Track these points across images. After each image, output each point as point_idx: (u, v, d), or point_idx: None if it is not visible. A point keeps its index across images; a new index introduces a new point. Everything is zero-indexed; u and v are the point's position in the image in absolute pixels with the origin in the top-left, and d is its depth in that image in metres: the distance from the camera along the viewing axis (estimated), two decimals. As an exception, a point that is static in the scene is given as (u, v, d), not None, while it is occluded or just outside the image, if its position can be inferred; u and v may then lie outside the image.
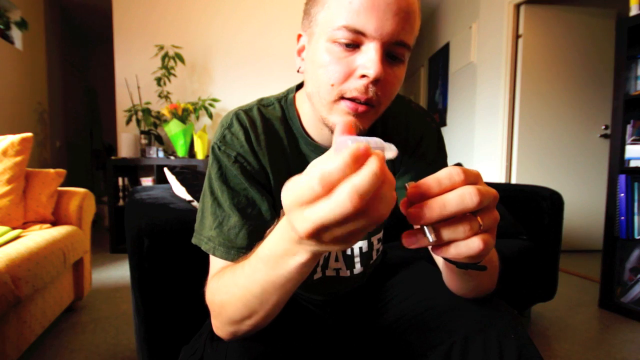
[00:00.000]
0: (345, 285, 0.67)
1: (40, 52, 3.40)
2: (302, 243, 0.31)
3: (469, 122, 3.38)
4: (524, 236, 1.50)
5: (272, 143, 0.57)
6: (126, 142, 2.91)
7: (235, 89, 3.27)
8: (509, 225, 1.48)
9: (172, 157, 2.94)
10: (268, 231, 0.39)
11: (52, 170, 1.61)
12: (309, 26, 0.51)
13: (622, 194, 1.72)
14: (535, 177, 2.84)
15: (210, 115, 3.03)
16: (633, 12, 1.71)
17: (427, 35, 4.44)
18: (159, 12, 3.15)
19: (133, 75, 3.06)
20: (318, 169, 0.26)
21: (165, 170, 1.22)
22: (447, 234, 0.32)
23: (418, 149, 0.62)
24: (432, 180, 0.32)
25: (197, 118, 3.10)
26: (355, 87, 0.46)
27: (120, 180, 2.94)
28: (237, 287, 0.42)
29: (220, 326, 0.48)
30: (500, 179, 2.95)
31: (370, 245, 0.67)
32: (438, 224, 0.32)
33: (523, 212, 1.54)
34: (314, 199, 0.26)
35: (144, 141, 2.99)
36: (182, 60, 2.94)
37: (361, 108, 0.47)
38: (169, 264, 0.84)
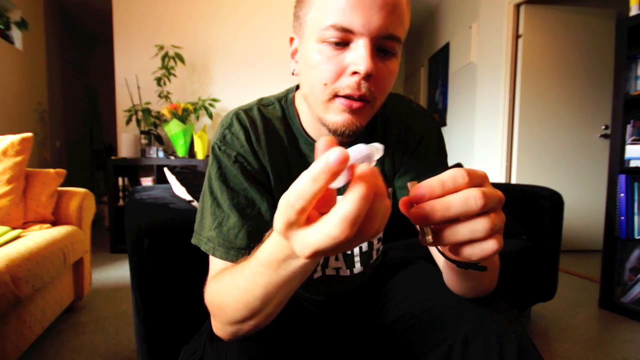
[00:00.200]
0: (345, 285, 0.67)
1: (40, 52, 3.40)
2: None
3: (469, 122, 3.38)
4: (524, 236, 1.50)
5: (273, 143, 0.57)
6: (126, 142, 2.91)
7: (235, 89, 3.27)
8: (509, 225, 1.48)
9: (172, 157, 2.94)
10: (267, 234, 0.39)
11: (52, 170, 1.61)
12: (299, 28, 0.51)
13: (622, 194, 1.72)
14: (535, 177, 2.84)
15: (210, 115, 3.03)
16: (633, 12, 1.71)
17: (427, 35, 4.45)
18: (159, 12, 3.15)
19: (133, 75, 3.06)
20: (291, 188, 0.26)
21: (165, 170, 1.22)
22: (465, 234, 0.31)
23: (418, 148, 0.63)
24: (435, 182, 0.31)
25: (197, 118, 3.10)
26: (347, 84, 0.46)
27: (120, 180, 2.94)
28: (237, 290, 0.42)
29: (221, 327, 0.48)
30: (500, 179, 2.95)
31: (370, 244, 0.67)
32: (453, 224, 0.31)
33: (523, 212, 1.53)
34: (303, 224, 0.27)
35: (144, 141, 2.99)
36: (182, 60, 2.94)
37: (356, 104, 0.47)
38: (169, 264, 0.84)
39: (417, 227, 0.33)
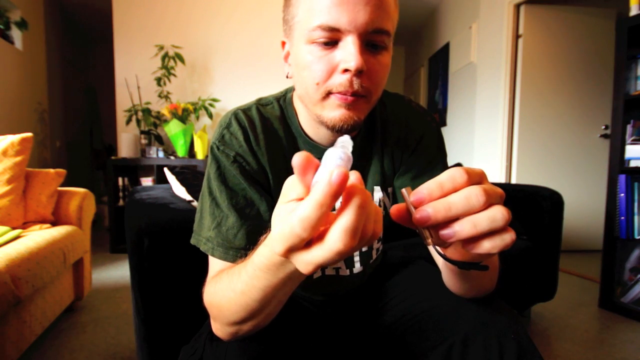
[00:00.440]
0: (345, 285, 0.67)
1: (40, 52, 3.40)
2: None
3: (469, 122, 3.38)
4: (524, 236, 1.50)
5: (271, 143, 0.57)
6: (126, 142, 2.91)
7: (235, 89, 3.27)
8: (509, 225, 1.48)
9: (172, 157, 2.94)
10: (263, 237, 0.39)
11: (52, 170, 1.61)
12: (289, 32, 0.51)
13: (622, 194, 1.72)
14: (535, 177, 2.84)
15: (210, 115, 3.03)
16: (633, 12, 1.71)
17: (427, 35, 4.44)
18: (159, 12, 3.15)
19: (133, 75, 3.06)
20: (297, 216, 0.26)
21: (165, 170, 1.22)
22: (484, 224, 0.30)
23: (418, 148, 0.63)
24: (433, 184, 0.31)
25: (197, 118, 3.10)
26: (340, 82, 0.46)
27: (120, 180, 2.93)
28: (235, 293, 0.42)
29: (221, 327, 0.48)
30: (500, 179, 2.95)
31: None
32: (475, 218, 0.30)
33: (523, 212, 1.53)
34: (305, 245, 0.27)
35: (144, 141, 2.99)
36: (182, 60, 2.94)
37: (351, 98, 0.47)
38: (169, 264, 0.84)
39: (418, 230, 0.33)
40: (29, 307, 1.19)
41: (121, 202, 2.92)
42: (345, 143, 0.33)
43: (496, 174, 2.97)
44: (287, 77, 0.56)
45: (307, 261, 0.28)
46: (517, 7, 2.81)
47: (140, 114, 2.95)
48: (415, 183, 0.61)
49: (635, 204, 1.70)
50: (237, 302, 0.42)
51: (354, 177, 0.27)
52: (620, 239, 1.74)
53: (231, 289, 0.42)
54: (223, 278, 0.46)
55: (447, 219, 0.30)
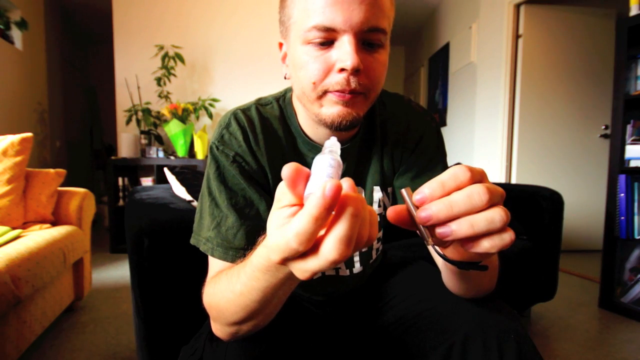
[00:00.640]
0: (345, 285, 0.67)
1: (40, 52, 3.40)
2: None
3: (469, 122, 3.38)
4: (524, 236, 1.50)
5: (271, 142, 0.57)
6: (126, 142, 2.91)
7: (235, 89, 3.27)
8: (509, 225, 1.48)
9: (172, 157, 2.94)
10: (261, 238, 0.39)
11: (52, 170, 1.61)
12: (285, 33, 0.52)
13: (622, 194, 1.72)
14: (535, 177, 2.84)
15: (210, 115, 3.03)
16: (633, 12, 1.71)
17: (427, 35, 4.44)
18: (159, 12, 3.15)
19: (133, 75, 3.06)
20: (293, 230, 0.26)
21: (165, 170, 1.22)
22: (482, 225, 0.30)
23: (418, 147, 0.62)
24: (435, 183, 0.31)
25: (197, 118, 3.10)
26: (337, 81, 0.46)
27: (120, 180, 2.94)
28: (234, 294, 0.42)
29: (220, 328, 0.48)
30: (500, 179, 2.95)
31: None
32: (469, 217, 0.30)
33: (523, 212, 1.53)
34: (301, 256, 0.28)
35: (144, 141, 2.99)
36: (182, 60, 2.94)
37: (348, 96, 0.47)
38: (169, 264, 0.84)
39: (418, 231, 0.33)
40: (29, 307, 1.19)
41: (121, 202, 2.92)
42: (333, 147, 0.33)
43: (496, 174, 2.97)
44: (285, 77, 0.56)
45: (303, 269, 0.28)
46: (517, 7, 2.81)
47: (140, 114, 2.95)
48: (415, 183, 0.61)
49: (635, 204, 1.70)
50: (237, 302, 0.42)
51: (347, 185, 0.27)
52: (620, 239, 1.74)
53: (230, 290, 0.42)
54: (222, 279, 0.46)
55: (450, 217, 0.30)
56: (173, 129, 2.83)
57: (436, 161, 0.63)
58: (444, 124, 3.91)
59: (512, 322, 0.49)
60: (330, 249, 0.26)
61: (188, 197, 1.04)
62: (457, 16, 3.60)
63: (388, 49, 0.50)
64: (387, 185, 0.63)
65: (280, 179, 0.56)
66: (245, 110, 0.58)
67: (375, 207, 0.62)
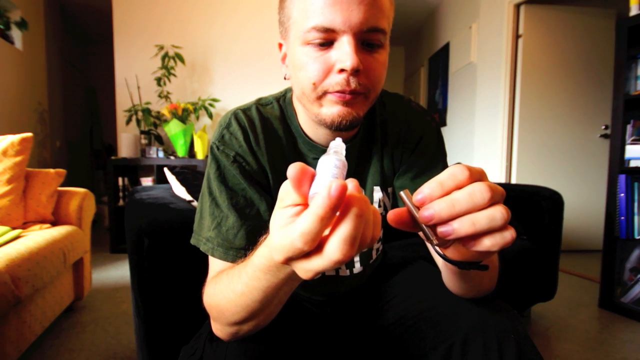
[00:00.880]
0: (345, 285, 0.67)
1: (40, 52, 3.40)
2: None
3: (469, 122, 3.38)
4: (524, 236, 1.50)
5: (271, 142, 0.57)
6: (126, 142, 2.91)
7: (235, 89, 3.27)
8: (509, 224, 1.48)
9: (172, 157, 2.94)
10: (262, 238, 0.39)
11: (52, 170, 1.61)
12: (285, 34, 0.52)
13: (622, 194, 1.72)
14: (535, 177, 2.84)
15: (210, 115, 3.03)
16: (633, 12, 1.71)
17: (427, 35, 4.44)
18: (159, 12, 3.15)
19: (133, 75, 3.06)
20: (298, 230, 0.26)
21: (165, 170, 1.22)
22: (483, 223, 0.30)
23: (418, 147, 0.62)
24: (434, 183, 0.31)
25: (197, 118, 3.10)
26: (336, 82, 0.46)
27: (120, 180, 2.93)
28: (235, 294, 0.42)
29: (221, 328, 0.48)
30: (500, 179, 2.95)
31: (370, 244, 0.66)
32: (474, 216, 0.30)
33: (523, 212, 1.53)
34: (304, 255, 0.28)
35: (144, 141, 2.99)
36: (182, 60, 2.94)
37: (348, 96, 0.47)
38: (169, 264, 0.84)
39: (421, 232, 0.33)
40: (29, 307, 1.19)
41: (121, 202, 2.92)
42: (338, 148, 0.33)
43: (496, 174, 2.97)
44: (284, 78, 0.56)
45: (306, 269, 0.28)
46: (517, 7, 2.81)
47: (140, 114, 2.95)
48: (415, 183, 0.61)
49: (635, 204, 1.70)
50: (237, 302, 0.42)
51: (352, 185, 0.28)
52: (620, 239, 1.74)
53: (231, 290, 0.42)
54: (223, 279, 0.46)
55: (452, 216, 0.30)
56: (173, 129, 2.83)
57: (436, 161, 0.63)
58: (444, 124, 3.91)
59: (512, 322, 0.49)
60: (334, 249, 0.26)
61: (188, 197, 1.04)
62: (457, 16, 3.60)
63: (388, 49, 0.50)
64: (387, 185, 0.63)
65: (280, 179, 0.57)
66: (245, 110, 0.58)
67: (375, 207, 0.62)
